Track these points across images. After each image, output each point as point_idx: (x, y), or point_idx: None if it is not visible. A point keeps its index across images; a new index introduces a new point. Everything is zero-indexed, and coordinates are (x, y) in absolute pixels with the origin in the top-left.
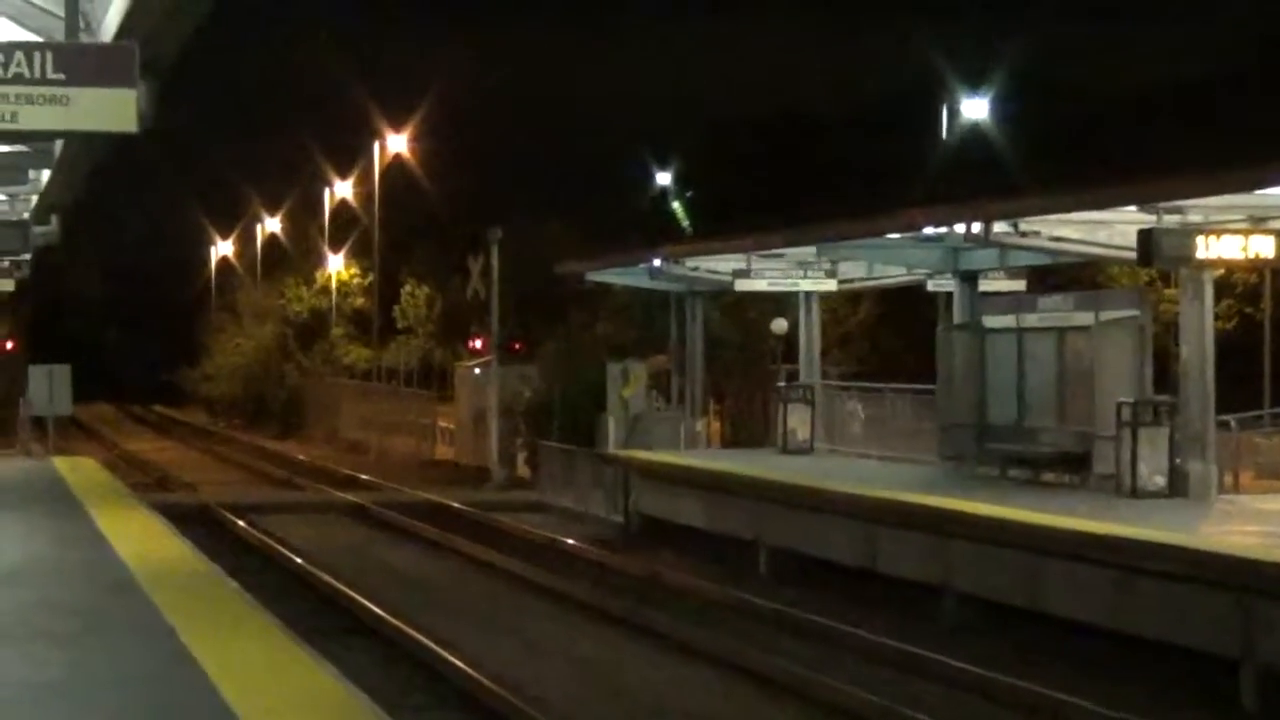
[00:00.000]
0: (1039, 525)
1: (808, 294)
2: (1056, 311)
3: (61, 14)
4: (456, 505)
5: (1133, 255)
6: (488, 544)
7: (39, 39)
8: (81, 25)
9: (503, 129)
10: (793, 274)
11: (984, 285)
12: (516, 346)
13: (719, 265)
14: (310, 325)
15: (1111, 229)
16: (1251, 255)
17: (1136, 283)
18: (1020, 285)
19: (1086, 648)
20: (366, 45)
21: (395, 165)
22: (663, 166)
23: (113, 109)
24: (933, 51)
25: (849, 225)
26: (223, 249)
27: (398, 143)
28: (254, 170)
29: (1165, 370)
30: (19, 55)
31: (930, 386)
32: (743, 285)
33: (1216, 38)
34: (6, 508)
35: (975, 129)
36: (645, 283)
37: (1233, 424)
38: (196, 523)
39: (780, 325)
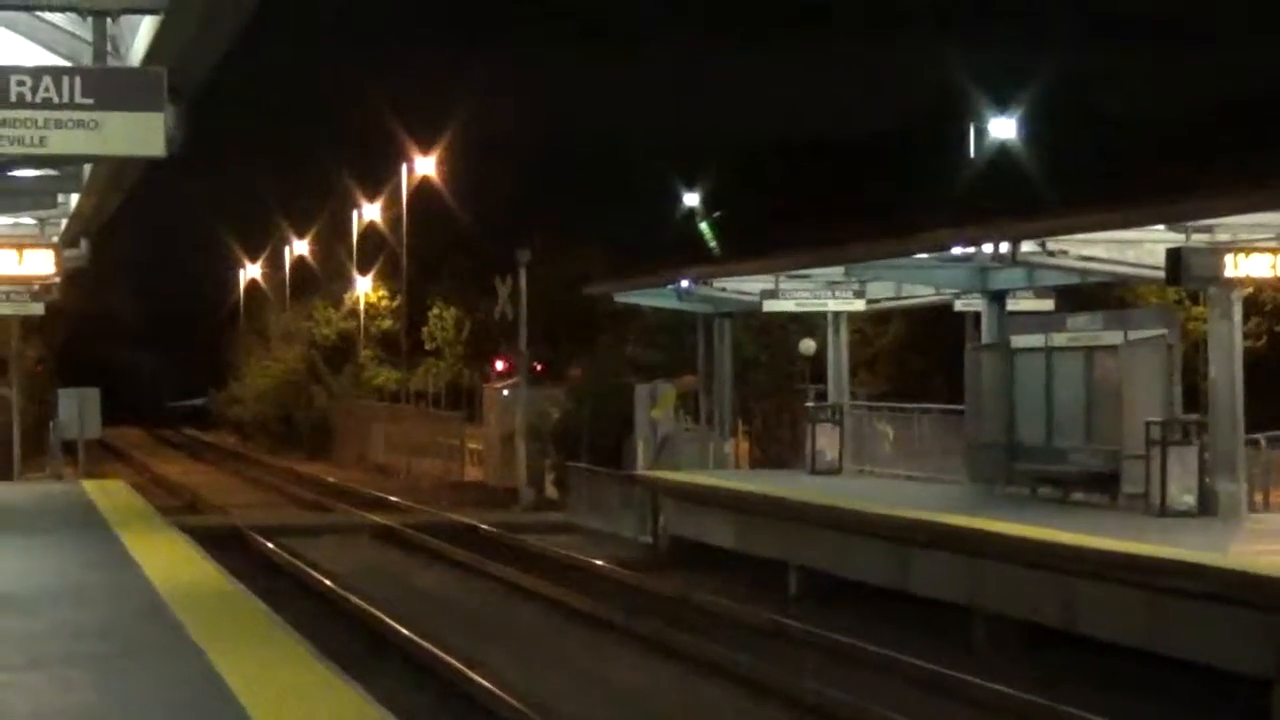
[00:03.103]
0: (1069, 545)
1: (836, 314)
2: (1085, 331)
3: (90, 39)
4: (485, 527)
5: (1161, 274)
6: (516, 565)
7: (68, 63)
8: (110, 50)
9: (531, 151)
10: (821, 294)
11: (1012, 305)
12: (539, 368)
13: (747, 286)
14: (338, 347)
15: (1140, 248)
16: None
17: (1165, 301)
18: (1048, 305)
19: (1118, 668)
20: (396, 68)
21: (424, 187)
22: (691, 188)
23: (141, 133)
24: (960, 72)
25: (877, 245)
26: (251, 272)
27: (426, 165)
28: (283, 193)
29: (1194, 389)
30: (48, 80)
31: (959, 407)
32: (771, 306)
33: (1246, 62)
34: (37, 531)
35: (1003, 149)
36: (673, 303)
37: (1262, 442)
38: (226, 545)
39: (808, 346)
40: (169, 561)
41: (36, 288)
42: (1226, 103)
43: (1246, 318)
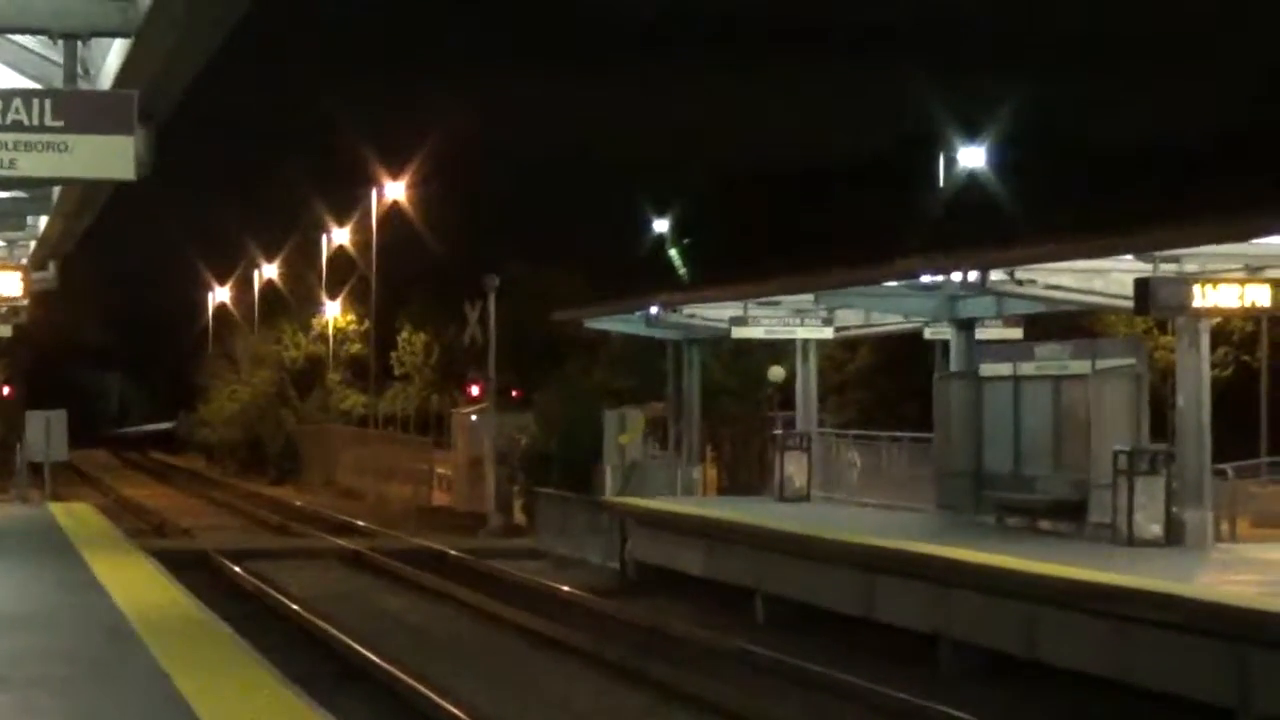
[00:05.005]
0: (1035, 574)
1: (805, 341)
2: (1053, 360)
3: (61, 61)
4: (453, 552)
5: (1129, 304)
6: (484, 591)
7: (38, 86)
8: (80, 73)
9: (501, 177)
10: (790, 321)
11: (981, 333)
12: (514, 394)
13: (716, 313)
14: (307, 371)
15: (1108, 278)
16: (1248, 304)
17: (1133, 331)
18: (1017, 333)
19: (1083, 696)
20: (367, 94)
21: (393, 212)
22: (661, 214)
23: (111, 156)
24: (930, 101)
25: (846, 273)
26: (220, 295)
27: (396, 190)
28: (252, 217)
29: (1162, 418)
30: (18, 102)
31: (927, 434)
32: (740, 333)
33: (1212, 94)
34: (3, 554)
35: (973, 178)
36: (642, 330)
37: (1229, 472)
38: (193, 569)
39: (777, 373)
40: (136, 585)
41: (4, 310)
42: (1199, 131)
43: (1214, 347)
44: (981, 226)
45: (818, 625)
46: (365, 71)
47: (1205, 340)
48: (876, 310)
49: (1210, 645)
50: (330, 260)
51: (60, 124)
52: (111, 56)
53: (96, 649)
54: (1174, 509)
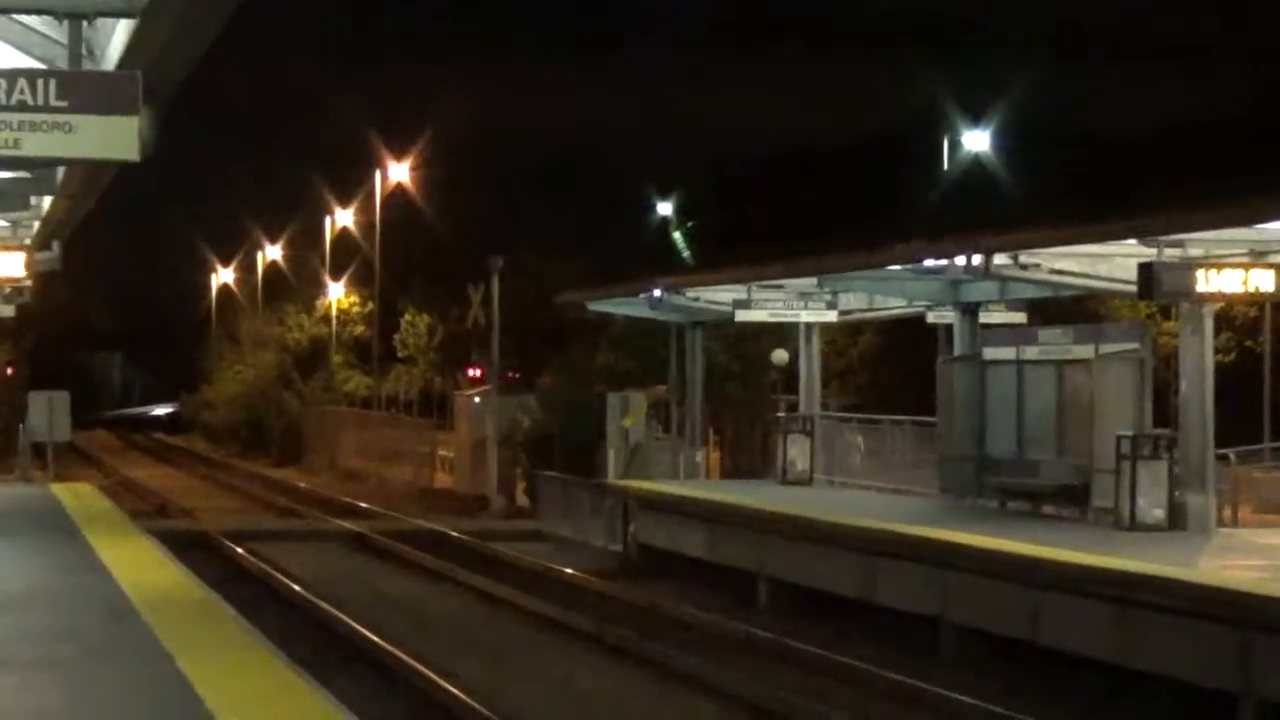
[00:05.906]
0: (1038, 558)
1: (808, 325)
2: (1056, 344)
3: (65, 42)
4: (455, 534)
5: (1133, 289)
6: (487, 573)
7: (43, 66)
8: (85, 53)
9: (505, 159)
10: (793, 305)
11: (984, 317)
12: (512, 375)
13: (719, 296)
14: (310, 353)
15: (1112, 262)
16: (1252, 289)
17: (1137, 316)
18: (1020, 318)
19: (1085, 680)
20: (373, 77)
21: (397, 194)
22: (665, 197)
23: (115, 137)
24: (935, 84)
25: (849, 257)
26: (224, 276)
27: (400, 172)
28: (256, 198)
29: (1165, 403)
30: (22, 82)
31: (930, 419)
32: (743, 316)
33: (1214, 84)
34: (6, 534)
35: (977, 161)
36: (646, 313)
37: (1232, 458)
38: (195, 550)
39: (780, 356)
40: (138, 566)
41: (8, 290)
42: (1200, 121)
43: (1217, 332)
44: (986, 210)
45: (819, 608)
46: (369, 56)
47: (1208, 325)
48: (880, 294)
49: (1212, 630)
50: (334, 242)
51: (65, 104)
52: (116, 37)
53: (99, 629)
54: (1176, 494)
